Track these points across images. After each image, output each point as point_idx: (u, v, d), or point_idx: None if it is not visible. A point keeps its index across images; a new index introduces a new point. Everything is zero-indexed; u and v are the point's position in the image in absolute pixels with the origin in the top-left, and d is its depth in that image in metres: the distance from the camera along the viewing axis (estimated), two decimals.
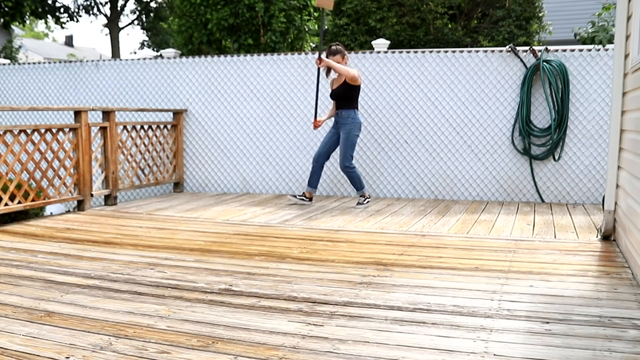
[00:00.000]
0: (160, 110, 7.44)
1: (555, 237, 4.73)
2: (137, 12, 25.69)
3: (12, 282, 3.42)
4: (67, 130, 5.89)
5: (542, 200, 6.62)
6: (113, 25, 23.86)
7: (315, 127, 6.22)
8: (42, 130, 5.63)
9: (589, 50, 6.40)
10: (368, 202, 6.28)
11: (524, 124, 6.51)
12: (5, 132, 5.22)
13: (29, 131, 5.47)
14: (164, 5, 23.39)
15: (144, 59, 7.97)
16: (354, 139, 6.00)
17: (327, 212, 5.96)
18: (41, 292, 3.24)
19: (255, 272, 3.65)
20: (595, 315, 2.84)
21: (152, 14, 25.53)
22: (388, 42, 7.55)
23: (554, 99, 6.42)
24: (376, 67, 6.99)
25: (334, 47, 6.06)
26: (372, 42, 7.61)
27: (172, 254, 4.16)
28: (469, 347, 2.45)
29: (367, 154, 7.10)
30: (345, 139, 6.00)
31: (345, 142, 6.00)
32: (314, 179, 6.26)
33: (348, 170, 6.07)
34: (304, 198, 6.32)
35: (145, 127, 7.00)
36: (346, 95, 6.00)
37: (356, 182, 6.16)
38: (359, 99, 6.26)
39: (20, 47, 20.69)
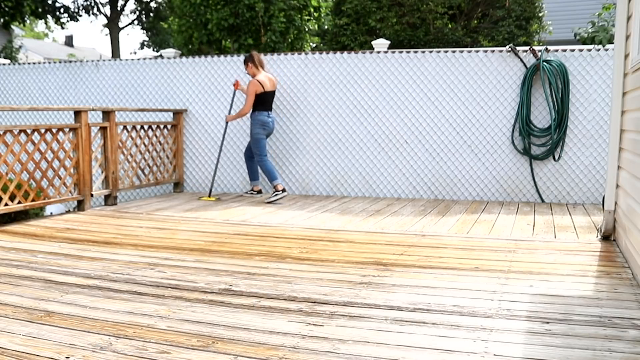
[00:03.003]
0: (160, 110, 7.44)
1: (555, 237, 4.73)
2: (137, 12, 25.72)
3: (12, 282, 3.42)
4: (67, 130, 5.89)
5: (542, 200, 6.62)
6: (113, 25, 23.88)
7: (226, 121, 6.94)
8: (42, 130, 5.64)
9: (589, 50, 6.39)
10: (253, 194, 7.08)
11: (524, 124, 6.51)
12: (5, 132, 5.22)
13: (29, 131, 5.47)
14: (164, 5, 23.39)
15: (144, 59, 7.97)
16: (256, 135, 6.67)
17: (327, 212, 5.96)
18: (41, 292, 3.24)
19: (255, 272, 3.65)
20: (595, 315, 2.84)
21: (152, 14, 25.55)
22: (388, 42, 7.55)
23: (554, 99, 6.42)
24: (376, 67, 6.99)
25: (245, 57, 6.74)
26: (372, 42, 7.61)
27: (172, 254, 4.16)
28: (469, 347, 2.45)
29: (367, 154, 7.11)
30: (251, 138, 6.74)
31: (251, 141, 6.75)
32: (250, 173, 6.98)
33: (259, 163, 6.72)
34: (253, 193, 7.08)
35: (145, 127, 7.00)
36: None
37: (265, 174, 6.71)
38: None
39: (20, 47, 20.70)
